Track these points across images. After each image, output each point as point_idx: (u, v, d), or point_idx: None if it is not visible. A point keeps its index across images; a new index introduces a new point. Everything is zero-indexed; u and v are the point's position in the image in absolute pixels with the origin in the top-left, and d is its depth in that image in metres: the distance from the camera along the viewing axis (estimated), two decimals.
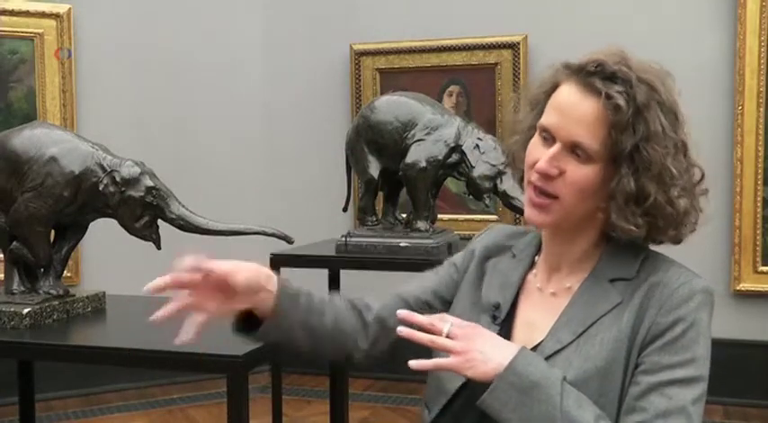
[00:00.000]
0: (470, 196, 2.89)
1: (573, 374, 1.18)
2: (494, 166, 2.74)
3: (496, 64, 4.17)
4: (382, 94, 3.63)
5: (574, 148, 1.20)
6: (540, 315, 1.29)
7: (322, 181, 4.35)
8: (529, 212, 1.26)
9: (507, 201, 2.79)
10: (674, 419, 1.14)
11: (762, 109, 3.83)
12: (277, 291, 1.29)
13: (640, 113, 1.18)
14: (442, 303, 1.44)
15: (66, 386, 4.03)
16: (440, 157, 2.79)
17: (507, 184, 2.74)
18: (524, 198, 1.28)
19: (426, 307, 1.43)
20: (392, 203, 3.05)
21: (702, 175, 1.26)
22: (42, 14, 4.05)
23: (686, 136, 1.23)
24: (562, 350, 1.21)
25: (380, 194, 3.05)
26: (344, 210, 3.13)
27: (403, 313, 1.22)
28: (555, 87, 1.26)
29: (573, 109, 1.21)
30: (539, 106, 1.29)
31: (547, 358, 1.20)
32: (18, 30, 4.03)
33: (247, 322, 1.32)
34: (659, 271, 1.24)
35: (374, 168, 2.90)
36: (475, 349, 1.16)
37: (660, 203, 1.20)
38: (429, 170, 2.80)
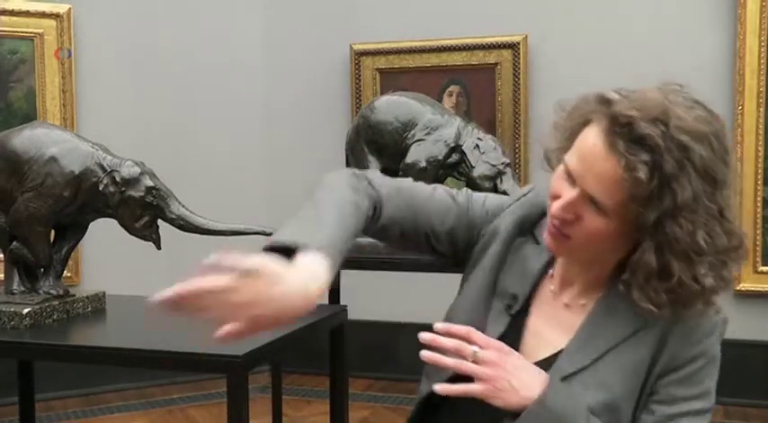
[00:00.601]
0: None
1: (592, 401, 1.17)
2: (494, 166, 2.74)
3: (496, 64, 4.17)
4: (382, 94, 3.63)
5: (591, 199, 1.15)
6: (550, 327, 1.28)
7: None
8: (546, 239, 1.23)
9: None
10: None
11: (762, 109, 3.83)
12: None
13: (667, 184, 1.09)
14: (451, 245, 1.38)
15: (66, 386, 4.03)
16: (440, 157, 2.79)
17: (507, 184, 2.74)
18: (547, 222, 1.24)
19: (432, 241, 1.37)
20: None
21: (741, 242, 1.17)
22: (42, 14, 4.05)
23: (725, 199, 1.14)
24: (578, 373, 1.20)
25: None
26: None
27: (426, 337, 1.16)
28: (587, 122, 1.18)
29: (594, 163, 1.13)
30: (569, 132, 1.22)
31: (562, 380, 1.19)
32: (18, 30, 4.03)
33: None
34: None
35: (374, 168, 2.90)
36: (503, 378, 1.13)
37: (684, 282, 1.13)
38: (429, 170, 2.80)
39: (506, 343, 1.23)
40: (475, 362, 1.14)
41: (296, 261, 1.07)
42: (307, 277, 1.06)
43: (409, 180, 1.42)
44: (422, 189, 1.39)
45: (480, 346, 1.15)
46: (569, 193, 1.17)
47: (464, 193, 1.40)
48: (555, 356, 1.24)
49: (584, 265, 1.26)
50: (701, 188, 1.10)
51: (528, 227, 1.35)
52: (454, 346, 1.15)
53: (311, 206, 1.23)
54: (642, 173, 1.09)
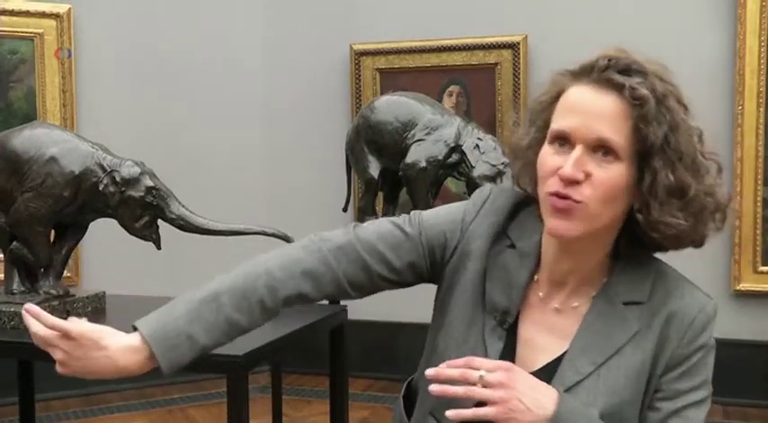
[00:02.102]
0: (470, 196, 2.89)
1: (601, 409, 1.17)
2: (494, 166, 2.74)
3: (496, 64, 4.17)
4: (382, 94, 3.63)
5: (597, 148, 1.14)
6: (542, 335, 1.26)
7: (322, 181, 4.35)
8: (554, 223, 1.17)
9: None
10: None
11: (762, 109, 3.83)
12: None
13: (662, 103, 1.14)
14: (416, 276, 1.33)
15: (66, 386, 4.02)
16: (440, 157, 2.79)
17: (507, 185, 2.74)
18: (543, 211, 1.20)
19: (392, 278, 1.31)
20: (392, 203, 3.05)
21: (719, 167, 1.21)
22: (42, 14, 4.05)
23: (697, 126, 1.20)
24: (582, 381, 1.19)
25: (380, 194, 3.05)
26: (344, 210, 3.13)
27: (431, 372, 1.14)
28: (559, 95, 1.20)
29: (591, 106, 1.15)
30: (541, 118, 1.23)
31: (568, 389, 1.18)
32: (18, 30, 4.04)
33: None
34: (674, 297, 1.22)
35: (374, 168, 2.90)
36: (514, 398, 1.11)
37: (699, 195, 1.16)
38: (429, 170, 2.80)
39: (503, 357, 1.22)
40: (484, 386, 1.12)
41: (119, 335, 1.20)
42: (123, 347, 1.19)
43: (351, 231, 1.33)
44: (366, 235, 1.32)
45: (486, 370, 1.13)
46: (573, 153, 1.15)
47: (414, 219, 1.34)
48: (553, 364, 1.23)
49: (581, 256, 1.23)
50: (681, 112, 1.17)
51: (499, 232, 1.30)
52: (460, 374, 1.13)
53: (194, 293, 1.25)
54: (643, 89, 1.13)
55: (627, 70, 1.15)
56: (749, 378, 3.88)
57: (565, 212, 1.15)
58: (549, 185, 1.17)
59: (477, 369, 1.13)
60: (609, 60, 1.16)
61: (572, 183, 1.14)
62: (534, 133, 1.25)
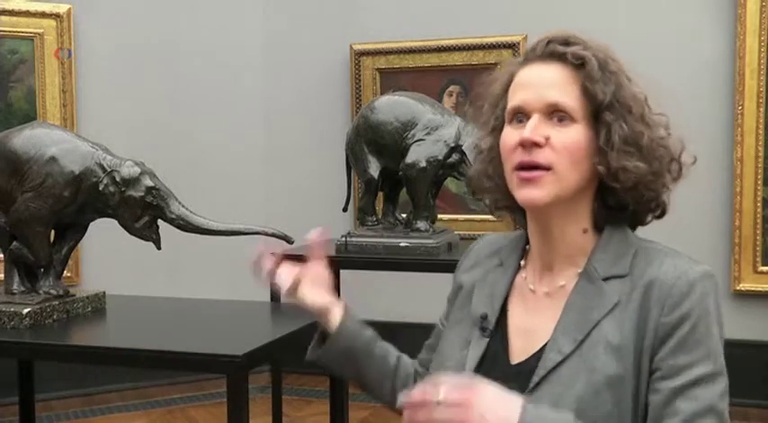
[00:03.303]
0: (470, 196, 2.89)
1: (583, 389, 1.14)
2: None
3: (496, 64, 4.16)
4: (382, 94, 3.63)
5: (552, 114, 1.20)
6: (537, 319, 1.25)
7: (322, 181, 4.35)
8: (523, 193, 1.20)
9: None
10: (704, 421, 1.10)
11: (762, 109, 3.83)
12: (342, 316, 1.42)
13: (605, 67, 1.21)
14: None
15: (66, 386, 4.03)
16: (440, 157, 2.79)
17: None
18: (513, 187, 1.22)
19: None
20: (392, 203, 3.05)
21: (668, 126, 1.26)
22: (42, 14, 4.05)
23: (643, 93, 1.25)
24: (565, 361, 1.17)
25: (380, 194, 3.05)
26: (344, 210, 3.13)
27: (402, 399, 1.11)
28: (511, 81, 1.28)
29: (539, 78, 1.23)
30: (499, 106, 1.29)
31: (550, 371, 1.17)
32: (18, 30, 4.04)
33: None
34: (653, 266, 1.19)
35: (374, 168, 2.90)
36: (475, 414, 1.05)
37: (653, 144, 1.21)
38: (429, 170, 2.80)
39: (490, 358, 1.24)
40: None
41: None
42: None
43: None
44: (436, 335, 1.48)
45: (447, 390, 1.07)
46: (530, 121, 1.20)
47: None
48: (543, 348, 1.21)
49: (559, 232, 1.24)
50: (624, 76, 1.23)
51: (485, 259, 1.39)
52: (421, 396, 1.08)
53: None
54: (586, 52, 1.21)
55: (567, 42, 1.23)
56: (749, 378, 3.88)
57: (532, 180, 1.19)
58: (513, 159, 1.21)
59: (440, 389, 1.08)
60: (550, 38, 1.25)
61: (534, 146, 1.18)
62: (494, 121, 1.30)
